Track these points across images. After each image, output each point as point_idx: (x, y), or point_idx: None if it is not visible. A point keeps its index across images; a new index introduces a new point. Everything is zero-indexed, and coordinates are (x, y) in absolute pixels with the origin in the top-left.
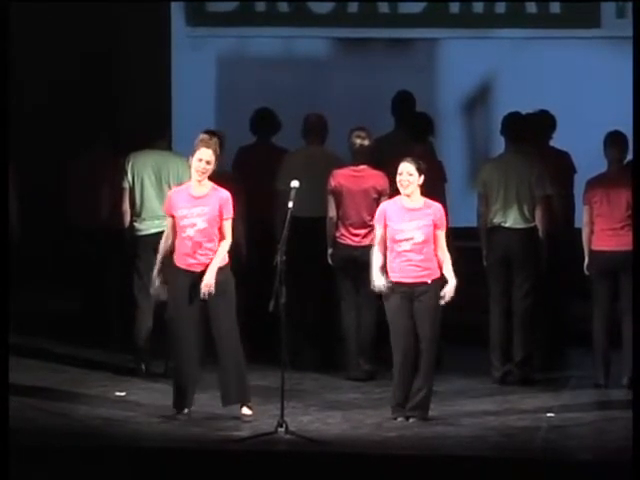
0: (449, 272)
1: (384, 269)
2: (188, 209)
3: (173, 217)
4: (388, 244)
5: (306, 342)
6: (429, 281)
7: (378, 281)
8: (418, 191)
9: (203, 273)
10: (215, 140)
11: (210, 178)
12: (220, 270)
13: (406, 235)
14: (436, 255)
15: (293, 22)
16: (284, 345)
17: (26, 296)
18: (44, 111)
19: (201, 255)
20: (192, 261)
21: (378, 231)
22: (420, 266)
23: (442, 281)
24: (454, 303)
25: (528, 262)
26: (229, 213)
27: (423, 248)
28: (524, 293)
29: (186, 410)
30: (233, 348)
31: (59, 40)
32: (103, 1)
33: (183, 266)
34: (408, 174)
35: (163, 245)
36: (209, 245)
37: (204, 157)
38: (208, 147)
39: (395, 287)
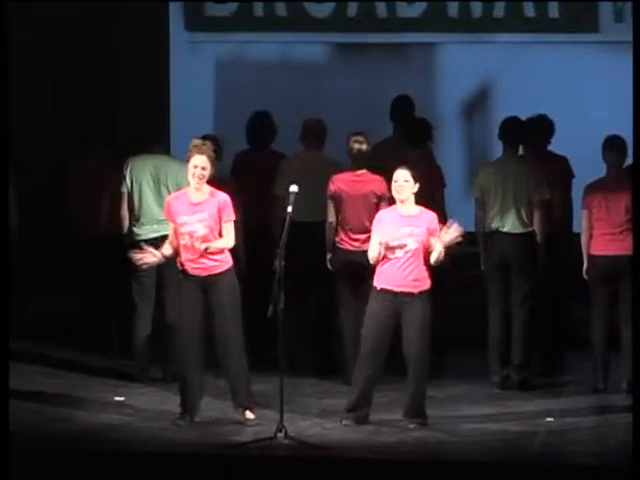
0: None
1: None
2: (188, 216)
3: (174, 223)
4: (381, 251)
5: (305, 347)
6: (416, 292)
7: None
8: (413, 198)
9: (207, 278)
10: (208, 144)
11: (209, 183)
12: (227, 273)
13: (399, 242)
14: (426, 265)
15: (291, 27)
16: (283, 350)
17: (25, 301)
18: (42, 114)
19: (204, 260)
20: (195, 266)
21: (374, 239)
22: (410, 275)
23: (430, 294)
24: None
25: (526, 266)
26: (229, 215)
27: (415, 256)
28: (522, 297)
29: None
30: (239, 351)
31: (57, 44)
32: (102, 2)
33: (188, 270)
34: (404, 180)
35: (167, 246)
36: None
37: (198, 163)
38: (202, 153)
39: (381, 294)
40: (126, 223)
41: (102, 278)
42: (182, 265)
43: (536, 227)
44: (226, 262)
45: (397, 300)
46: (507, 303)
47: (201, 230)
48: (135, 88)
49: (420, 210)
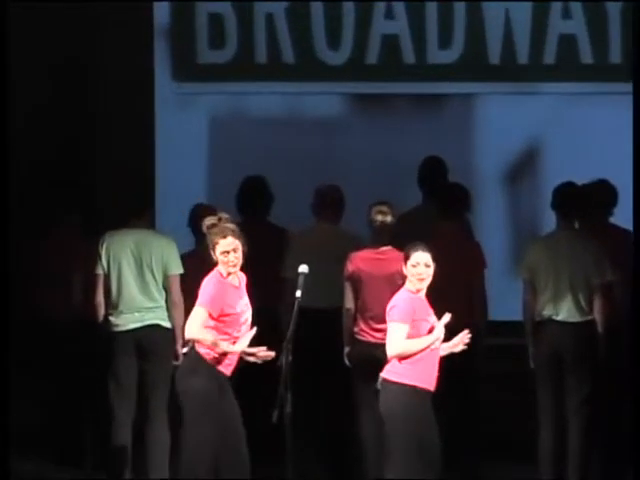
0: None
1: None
2: (238, 304)
3: (227, 315)
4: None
5: (318, 458)
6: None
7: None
8: None
9: (230, 376)
10: (225, 219)
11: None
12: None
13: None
14: None
15: (300, 75)
16: (291, 462)
17: None
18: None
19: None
20: (229, 362)
21: (401, 330)
22: (438, 365)
23: None
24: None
25: (585, 363)
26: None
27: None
28: (580, 401)
29: None
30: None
31: (28, 98)
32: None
33: (221, 368)
34: (425, 265)
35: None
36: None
37: (229, 248)
38: (225, 235)
39: (420, 393)
40: (102, 311)
41: (73, 377)
42: (215, 360)
43: (596, 315)
44: None
45: (425, 400)
46: (562, 407)
47: (249, 318)
48: (114, 149)
49: None
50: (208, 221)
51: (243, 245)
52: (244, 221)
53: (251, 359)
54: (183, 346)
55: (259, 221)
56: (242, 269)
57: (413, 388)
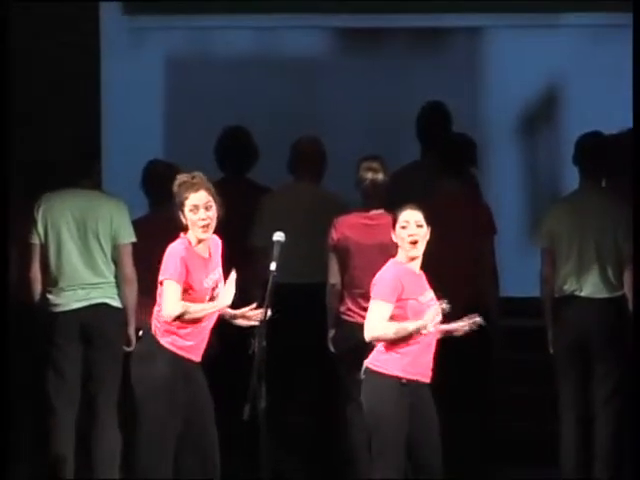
0: None
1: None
2: (207, 278)
3: (192, 289)
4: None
5: (298, 461)
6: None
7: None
8: None
9: (196, 364)
10: (200, 176)
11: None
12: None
13: (434, 310)
14: None
15: (276, 7)
16: (267, 466)
17: None
18: None
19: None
20: (197, 342)
21: (381, 310)
22: (432, 357)
23: None
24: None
25: (614, 347)
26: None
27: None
28: (609, 392)
29: None
30: (218, 462)
31: None
32: None
33: (183, 353)
34: (417, 225)
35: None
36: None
37: (199, 202)
38: (197, 188)
39: (403, 386)
40: (38, 288)
41: (5, 367)
42: (174, 341)
43: (627, 290)
44: None
45: (415, 392)
46: (587, 399)
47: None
48: (52, 95)
49: None
50: (179, 179)
51: (218, 207)
52: (224, 179)
53: (240, 322)
54: (137, 330)
55: (241, 180)
56: (219, 235)
57: (398, 379)
